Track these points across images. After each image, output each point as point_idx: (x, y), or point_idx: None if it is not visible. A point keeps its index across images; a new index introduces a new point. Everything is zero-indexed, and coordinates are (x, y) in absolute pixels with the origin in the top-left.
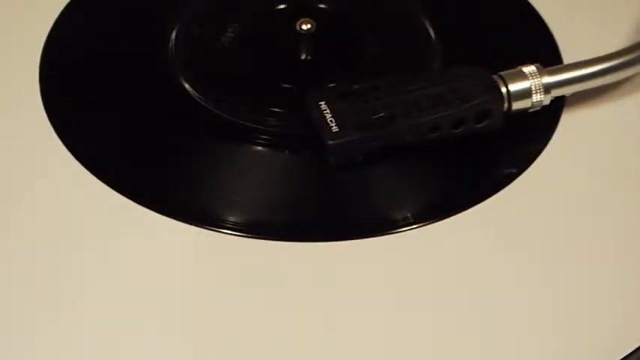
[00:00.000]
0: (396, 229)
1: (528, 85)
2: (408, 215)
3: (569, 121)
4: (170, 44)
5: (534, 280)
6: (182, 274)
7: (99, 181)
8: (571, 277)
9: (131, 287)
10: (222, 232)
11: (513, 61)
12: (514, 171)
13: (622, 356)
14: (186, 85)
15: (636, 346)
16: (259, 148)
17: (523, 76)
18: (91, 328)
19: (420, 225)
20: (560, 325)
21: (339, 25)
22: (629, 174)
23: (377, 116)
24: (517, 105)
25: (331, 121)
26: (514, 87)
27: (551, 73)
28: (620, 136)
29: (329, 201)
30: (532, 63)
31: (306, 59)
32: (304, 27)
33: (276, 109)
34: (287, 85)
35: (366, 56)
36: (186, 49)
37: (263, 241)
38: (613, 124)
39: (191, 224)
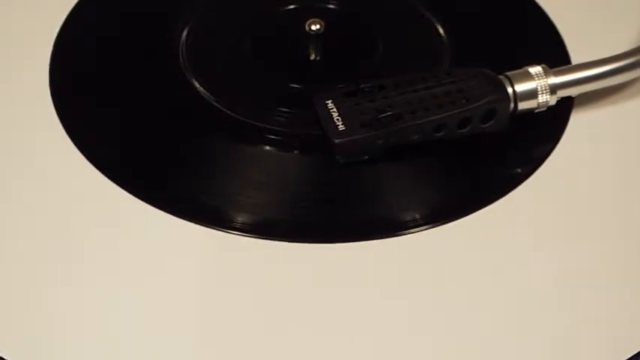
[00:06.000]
0: (405, 230)
1: (534, 86)
2: (417, 217)
3: (578, 121)
4: (180, 43)
5: (543, 281)
6: (189, 274)
7: (107, 179)
8: (580, 278)
9: (137, 286)
10: (230, 232)
11: (522, 61)
12: (523, 173)
13: (627, 357)
14: (196, 84)
15: None
16: (268, 147)
17: (529, 77)
18: (95, 326)
19: (429, 226)
20: (567, 326)
21: (348, 26)
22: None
23: (383, 115)
24: (523, 105)
25: (338, 119)
26: (520, 87)
27: (557, 74)
28: (630, 137)
29: (337, 202)
30: (539, 64)
31: (315, 59)
32: (313, 27)
33: (285, 109)
34: (296, 85)
35: (375, 57)
36: (196, 48)
37: (270, 241)
38: (622, 126)
39: (199, 224)
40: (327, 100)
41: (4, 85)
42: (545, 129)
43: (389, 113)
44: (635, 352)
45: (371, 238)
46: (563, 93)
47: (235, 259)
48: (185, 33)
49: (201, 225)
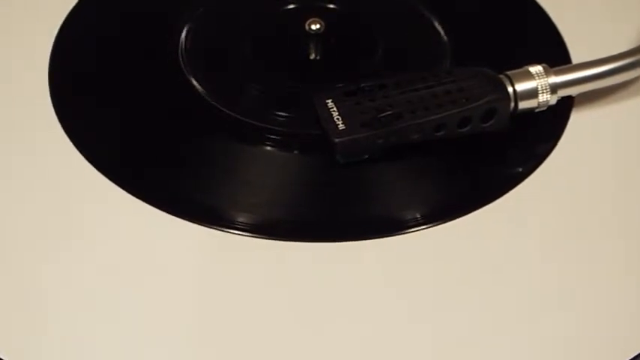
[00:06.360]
0: (405, 229)
1: (535, 85)
2: (418, 216)
3: (578, 121)
4: (180, 43)
5: (543, 280)
6: (189, 274)
7: (106, 179)
8: (580, 278)
9: (137, 286)
10: (230, 232)
11: (522, 61)
12: (524, 172)
13: (628, 358)
14: (196, 84)
15: None
16: (268, 147)
17: (530, 76)
18: (95, 326)
19: (429, 226)
20: (567, 326)
21: (348, 25)
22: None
23: (383, 114)
24: (523, 104)
25: (338, 119)
26: (520, 86)
27: (557, 73)
28: (630, 137)
29: (337, 201)
30: (539, 63)
31: (315, 59)
32: (313, 27)
33: (285, 109)
34: (296, 85)
35: (375, 57)
36: (196, 48)
37: (271, 241)
38: (622, 125)
39: (199, 224)
40: (327, 99)
41: (4, 85)
42: (545, 128)
43: (389, 112)
44: (635, 354)
45: (371, 238)
46: (563, 92)
47: (235, 259)
48: (185, 33)
49: (201, 225)
